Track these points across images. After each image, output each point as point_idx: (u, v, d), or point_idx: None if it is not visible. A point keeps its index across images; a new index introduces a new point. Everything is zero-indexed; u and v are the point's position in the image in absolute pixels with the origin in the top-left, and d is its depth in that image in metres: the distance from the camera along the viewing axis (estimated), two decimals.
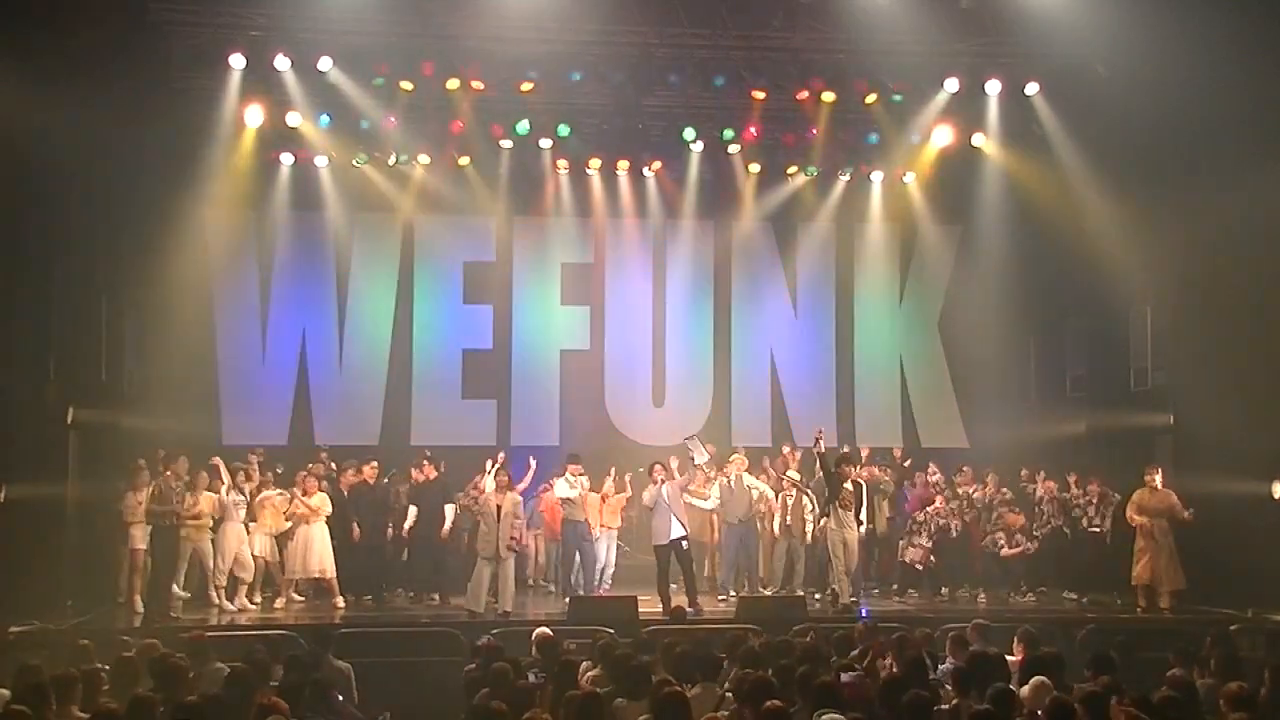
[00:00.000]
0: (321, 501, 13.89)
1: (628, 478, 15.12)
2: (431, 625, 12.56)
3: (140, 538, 13.12)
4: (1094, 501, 14.67)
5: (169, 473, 13.13)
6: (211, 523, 13.33)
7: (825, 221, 18.04)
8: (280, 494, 13.98)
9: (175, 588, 13.19)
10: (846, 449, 15.33)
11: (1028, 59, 14.90)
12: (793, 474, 14.97)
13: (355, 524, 14.27)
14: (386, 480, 14.80)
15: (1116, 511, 14.30)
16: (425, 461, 14.70)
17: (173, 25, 13.95)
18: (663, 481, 13.59)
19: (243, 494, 13.68)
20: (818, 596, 14.15)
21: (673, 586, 13.58)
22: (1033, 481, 15.36)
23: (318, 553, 13.77)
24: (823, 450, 13.73)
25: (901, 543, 15.00)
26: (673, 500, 13.56)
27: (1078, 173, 15.34)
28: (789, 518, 14.70)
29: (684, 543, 13.55)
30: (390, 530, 14.55)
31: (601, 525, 14.61)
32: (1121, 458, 15.12)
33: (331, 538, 13.87)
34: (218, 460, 13.60)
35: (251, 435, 16.14)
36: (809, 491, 14.61)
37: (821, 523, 13.84)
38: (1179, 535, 13.60)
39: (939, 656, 8.87)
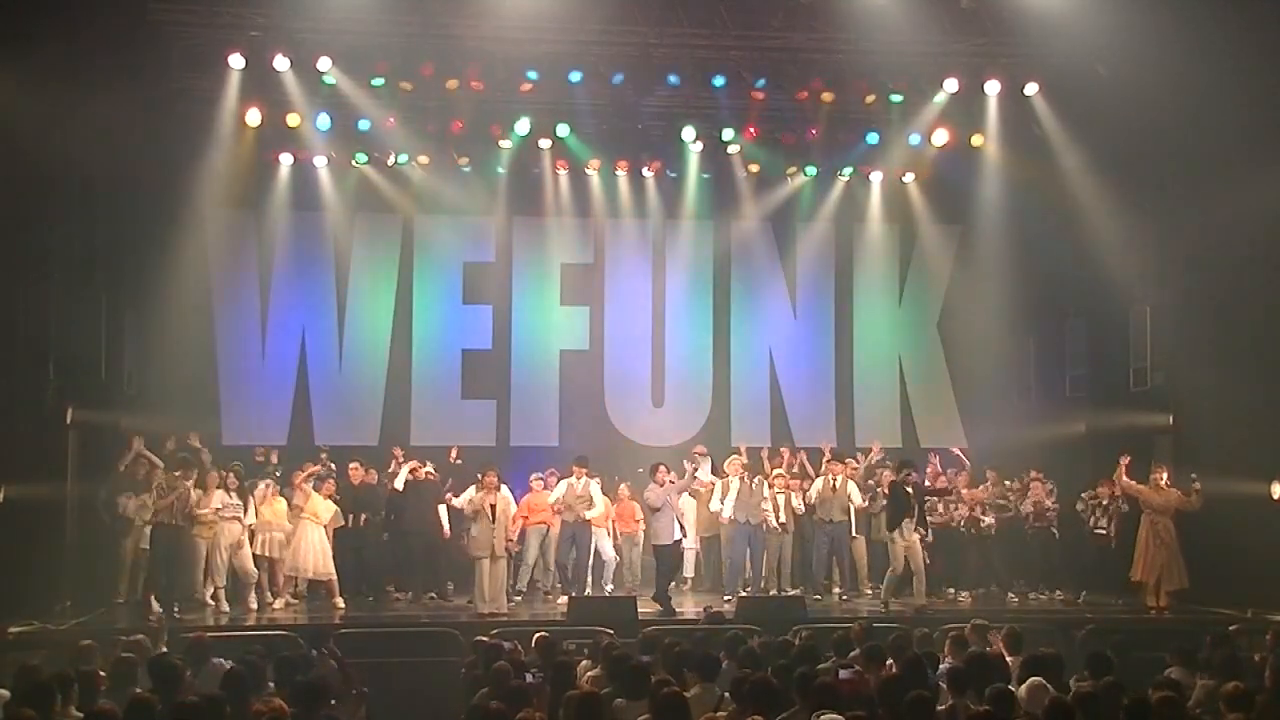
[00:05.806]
0: (331, 511, 13.93)
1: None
2: (431, 625, 12.56)
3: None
4: (1102, 504, 14.62)
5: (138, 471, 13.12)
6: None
7: (824, 221, 18.02)
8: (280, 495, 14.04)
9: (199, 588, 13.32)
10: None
11: (1028, 59, 14.92)
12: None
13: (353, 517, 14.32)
14: (384, 480, 14.80)
15: (1122, 514, 14.35)
16: (418, 461, 14.68)
17: (173, 25, 13.96)
18: (668, 484, 13.74)
19: (237, 497, 13.69)
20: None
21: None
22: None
23: (319, 555, 13.77)
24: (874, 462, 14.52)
25: None
26: (673, 503, 13.83)
27: (1077, 173, 15.35)
28: (783, 515, 14.73)
29: (681, 544, 13.78)
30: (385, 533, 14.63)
31: (620, 530, 14.91)
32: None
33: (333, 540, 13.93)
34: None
35: (251, 435, 16.20)
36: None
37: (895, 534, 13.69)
38: (1182, 535, 13.64)
39: (938, 656, 8.87)
